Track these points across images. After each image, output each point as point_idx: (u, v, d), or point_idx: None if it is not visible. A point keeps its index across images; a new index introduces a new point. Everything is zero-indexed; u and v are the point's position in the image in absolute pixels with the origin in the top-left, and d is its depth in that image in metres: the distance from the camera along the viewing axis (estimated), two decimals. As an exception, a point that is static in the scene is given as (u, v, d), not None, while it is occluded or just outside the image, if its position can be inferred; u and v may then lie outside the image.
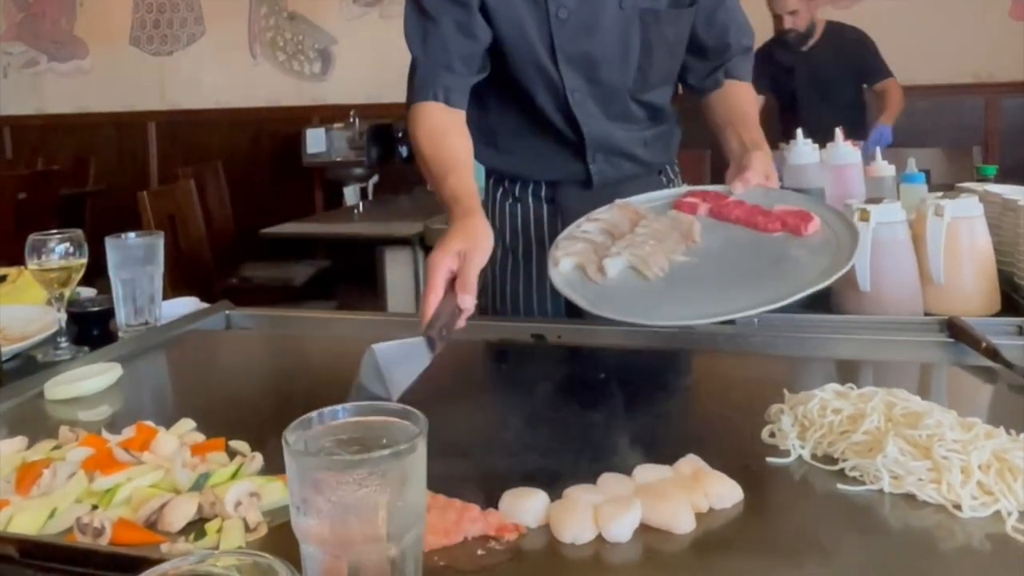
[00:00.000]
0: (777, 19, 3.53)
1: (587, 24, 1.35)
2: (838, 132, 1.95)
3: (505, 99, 1.46)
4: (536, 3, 1.33)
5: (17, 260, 1.47)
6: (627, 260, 1.06)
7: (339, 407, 0.62)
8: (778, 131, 3.50)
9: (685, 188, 1.27)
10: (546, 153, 1.47)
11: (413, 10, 1.34)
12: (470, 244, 1.01)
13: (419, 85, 1.33)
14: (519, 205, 1.53)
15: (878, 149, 1.96)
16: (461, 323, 0.97)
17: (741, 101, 1.46)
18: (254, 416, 0.99)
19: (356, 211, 3.81)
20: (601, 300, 1.02)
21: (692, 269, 1.06)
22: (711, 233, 1.13)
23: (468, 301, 0.98)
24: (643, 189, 1.43)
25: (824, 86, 3.50)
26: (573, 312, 1.37)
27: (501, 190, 1.56)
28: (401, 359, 0.91)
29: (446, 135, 1.29)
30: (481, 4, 1.33)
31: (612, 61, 1.38)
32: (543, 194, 1.52)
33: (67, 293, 1.31)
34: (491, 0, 1.33)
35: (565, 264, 1.07)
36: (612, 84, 1.41)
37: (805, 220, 1.10)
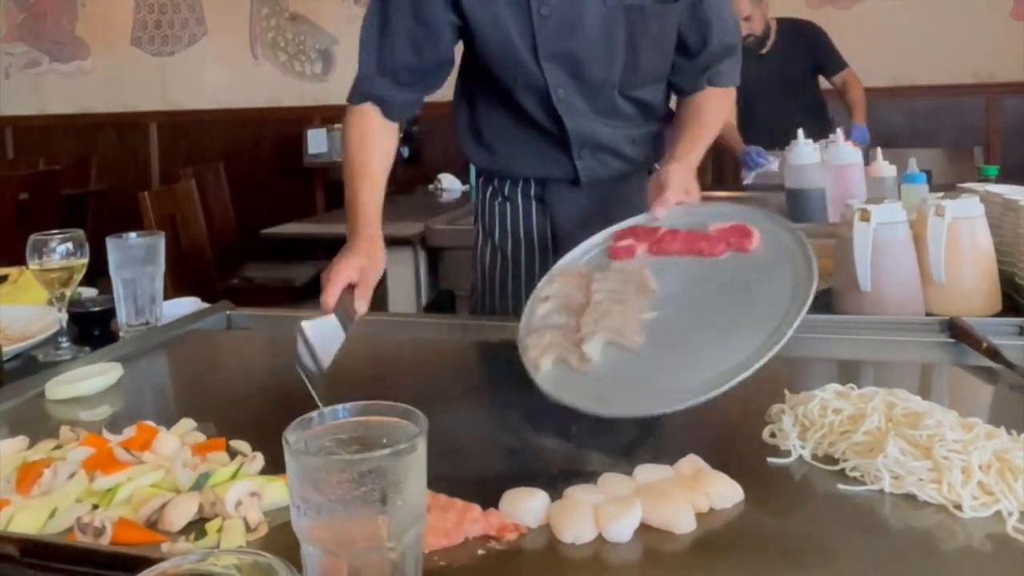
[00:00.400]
0: None
1: (570, 21, 1.34)
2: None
3: (492, 98, 1.46)
4: (518, 2, 1.33)
5: (18, 260, 1.47)
6: (604, 338, 0.98)
7: (339, 407, 0.62)
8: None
9: (612, 229, 1.20)
10: (533, 150, 1.47)
11: (375, 15, 1.36)
12: (370, 262, 1.17)
13: (361, 89, 1.36)
14: (508, 204, 1.54)
15: (879, 150, 1.96)
16: (353, 326, 1.09)
17: (702, 108, 1.43)
18: (255, 416, 0.99)
19: (357, 211, 3.80)
20: (606, 394, 0.91)
21: (668, 325, 0.98)
22: (663, 275, 1.07)
23: (363, 307, 1.13)
24: (632, 187, 1.45)
25: (785, 87, 3.48)
26: None
27: (491, 189, 1.57)
28: (324, 334, 1.03)
29: (371, 147, 1.34)
30: (458, 5, 1.33)
31: (596, 58, 1.37)
32: (532, 192, 1.52)
33: (68, 293, 1.31)
34: (472, 7, 1.33)
35: (546, 364, 0.97)
36: (597, 81, 1.40)
37: (746, 235, 1.06)
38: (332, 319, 1.06)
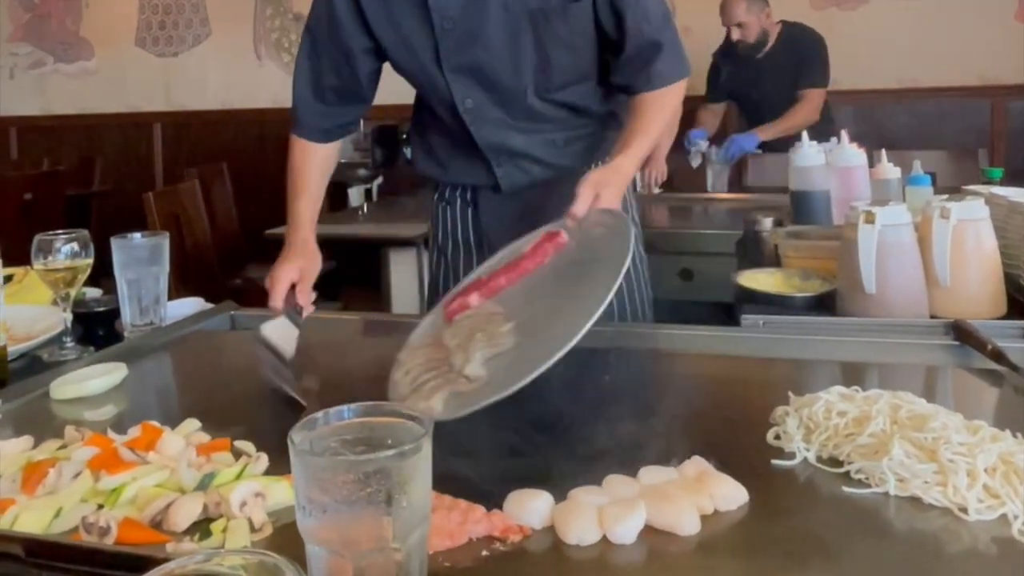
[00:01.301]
0: (727, 32, 3.52)
1: (473, 31, 1.35)
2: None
3: (428, 110, 1.53)
4: (422, 17, 1.36)
5: (23, 260, 1.48)
6: (481, 356, 0.99)
7: (345, 407, 0.62)
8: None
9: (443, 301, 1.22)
10: (461, 159, 1.52)
11: (303, 45, 1.46)
12: (307, 262, 1.32)
13: (297, 121, 1.48)
14: (448, 208, 1.61)
15: (883, 152, 1.96)
16: (303, 321, 1.23)
17: (640, 110, 1.38)
18: (259, 416, 1.00)
19: (360, 212, 3.81)
20: (503, 383, 0.92)
21: (528, 324, 1.02)
22: (505, 303, 1.11)
23: (306, 301, 1.27)
24: (560, 194, 1.34)
25: (784, 90, 3.47)
26: None
27: (436, 194, 1.63)
28: (281, 333, 1.16)
29: (307, 166, 1.47)
30: (368, 27, 1.39)
31: (504, 65, 1.38)
32: (468, 197, 1.58)
33: (73, 293, 1.32)
34: (376, 20, 1.38)
35: (438, 404, 0.95)
36: (508, 88, 1.40)
37: (554, 236, 1.15)
38: (284, 319, 1.20)
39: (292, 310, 1.23)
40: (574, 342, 0.88)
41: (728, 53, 3.60)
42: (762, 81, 3.54)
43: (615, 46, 1.39)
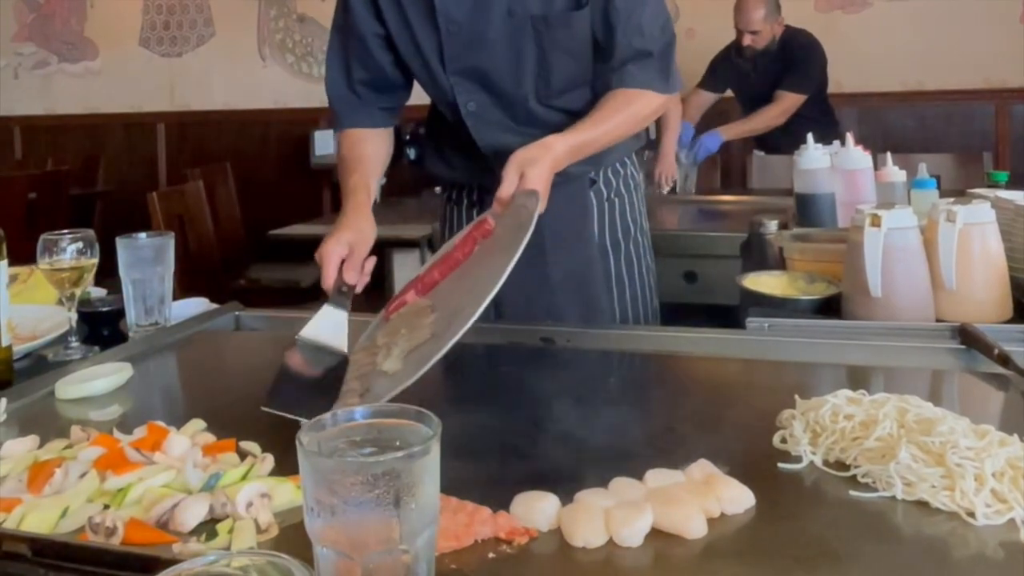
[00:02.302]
0: (739, 32, 3.53)
1: (477, 36, 1.36)
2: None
3: (438, 110, 1.53)
4: (429, 18, 1.37)
5: (28, 259, 1.48)
6: (400, 351, 0.99)
7: (355, 409, 0.62)
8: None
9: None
10: (466, 160, 1.52)
11: (330, 39, 1.48)
12: (358, 236, 1.22)
13: (338, 118, 1.48)
14: (455, 208, 1.62)
15: (888, 155, 1.95)
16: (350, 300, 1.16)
17: (601, 104, 1.36)
18: (264, 417, 0.99)
19: (364, 213, 3.81)
20: (404, 374, 0.93)
21: (450, 306, 1.02)
22: (438, 297, 1.10)
23: (353, 279, 1.19)
24: (564, 198, 1.38)
25: (764, 92, 3.49)
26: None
27: (447, 197, 1.64)
28: (325, 328, 1.09)
29: (356, 147, 1.44)
30: (381, 18, 1.40)
31: (506, 70, 1.39)
32: (474, 197, 1.58)
33: (78, 293, 1.32)
34: (389, 14, 1.39)
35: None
36: (510, 93, 1.41)
37: (482, 223, 1.14)
38: (324, 310, 1.11)
39: (339, 291, 1.15)
40: (469, 324, 0.88)
41: (737, 51, 3.59)
42: (752, 79, 3.56)
43: (604, 54, 1.39)
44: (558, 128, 1.42)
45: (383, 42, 1.43)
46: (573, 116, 1.43)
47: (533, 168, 1.18)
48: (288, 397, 0.96)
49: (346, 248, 1.20)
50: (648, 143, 3.11)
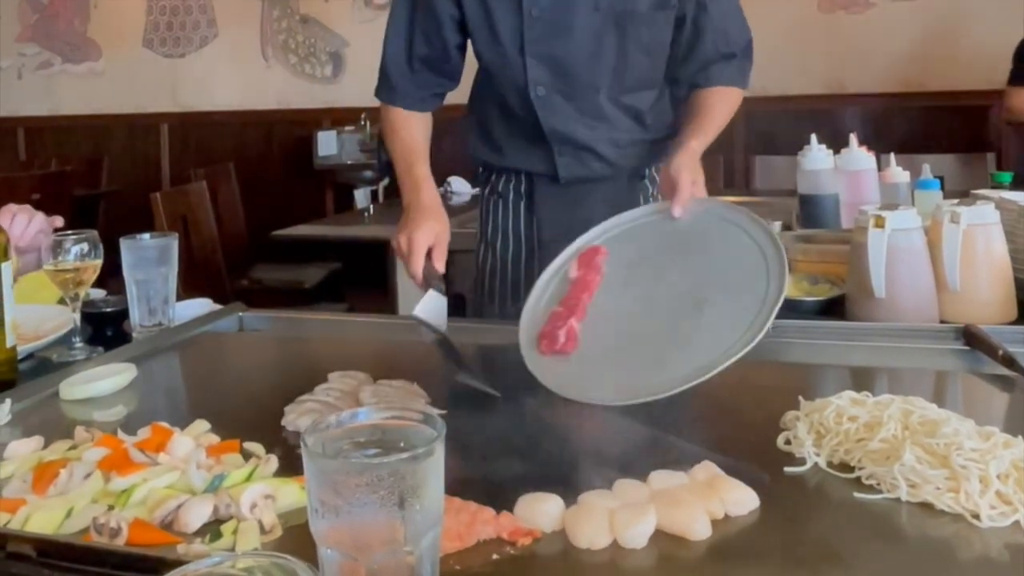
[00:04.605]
0: None
1: (560, 24, 1.38)
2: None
3: (492, 95, 1.54)
4: (511, 1, 1.38)
5: (32, 260, 1.48)
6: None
7: (359, 410, 0.62)
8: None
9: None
10: (521, 146, 1.54)
11: (395, 11, 1.47)
12: (444, 227, 1.25)
13: (390, 87, 1.47)
14: (500, 201, 1.61)
15: (892, 156, 1.95)
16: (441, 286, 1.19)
17: (704, 104, 1.43)
18: (268, 418, 0.99)
19: (367, 214, 3.81)
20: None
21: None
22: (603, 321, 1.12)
23: (442, 267, 1.21)
24: (616, 192, 1.48)
25: None
26: None
27: (488, 187, 1.64)
28: (432, 309, 1.15)
29: (412, 128, 1.44)
30: (460, 6, 1.40)
31: (583, 61, 1.41)
32: (522, 188, 1.59)
33: (82, 293, 1.32)
34: (469, 1, 1.40)
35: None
36: (582, 83, 1.44)
37: (595, 254, 1.16)
38: (430, 294, 1.15)
39: (435, 278, 1.17)
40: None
41: None
42: None
43: (687, 56, 1.45)
44: (615, 124, 1.49)
45: (454, 23, 1.43)
46: (637, 117, 1.49)
47: (700, 177, 1.24)
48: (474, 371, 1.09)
49: (433, 238, 1.22)
50: None
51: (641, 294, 1.13)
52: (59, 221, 1.26)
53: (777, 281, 1.03)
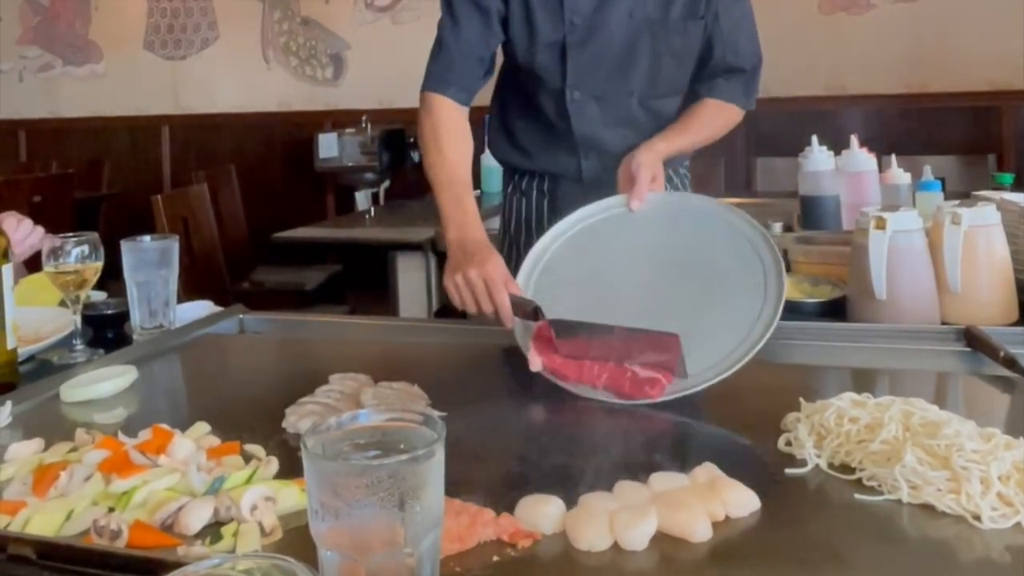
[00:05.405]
0: None
1: (597, 31, 1.43)
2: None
3: (519, 97, 1.58)
4: (551, 7, 1.42)
5: (33, 262, 1.48)
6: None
7: (360, 411, 0.62)
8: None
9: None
10: (547, 147, 1.58)
11: (446, 10, 1.46)
12: (500, 259, 1.19)
13: (437, 78, 1.43)
14: (524, 199, 1.66)
15: (893, 157, 1.95)
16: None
17: (693, 112, 1.49)
18: (268, 420, 0.99)
19: (368, 216, 3.81)
20: None
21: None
22: None
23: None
24: None
25: None
26: None
27: (512, 185, 1.68)
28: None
29: (460, 133, 1.40)
30: (507, 4, 1.43)
31: (617, 67, 1.47)
32: (545, 187, 1.63)
33: (83, 296, 1.32)
34: (513, 2, 1.43)
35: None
36: (616, 89, 1.49)
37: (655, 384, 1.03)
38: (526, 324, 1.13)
39: (530, 305, 1.11)
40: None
41: None
42: None
43: (698, 65, 1.51)
44: (643, 130, 1.51)
45: (500, 21, 1.45)
46: (660, 119, 1.52)
47: (660, 172, 1.30)
48: None
49: (505, 271, 1.17)
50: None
51: (636, 288, 1.16)
52: (58, 242, 1.27)
53: (775, 279, 1.06)
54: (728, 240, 1.15)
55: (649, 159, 1.31)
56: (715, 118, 1.50)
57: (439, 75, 1.44)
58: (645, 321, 1.04)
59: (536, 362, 1.06)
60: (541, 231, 1.59)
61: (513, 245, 1.67)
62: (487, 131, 1.65)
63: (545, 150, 1.58)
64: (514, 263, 1.59)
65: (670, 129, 1.44)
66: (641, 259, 1.20)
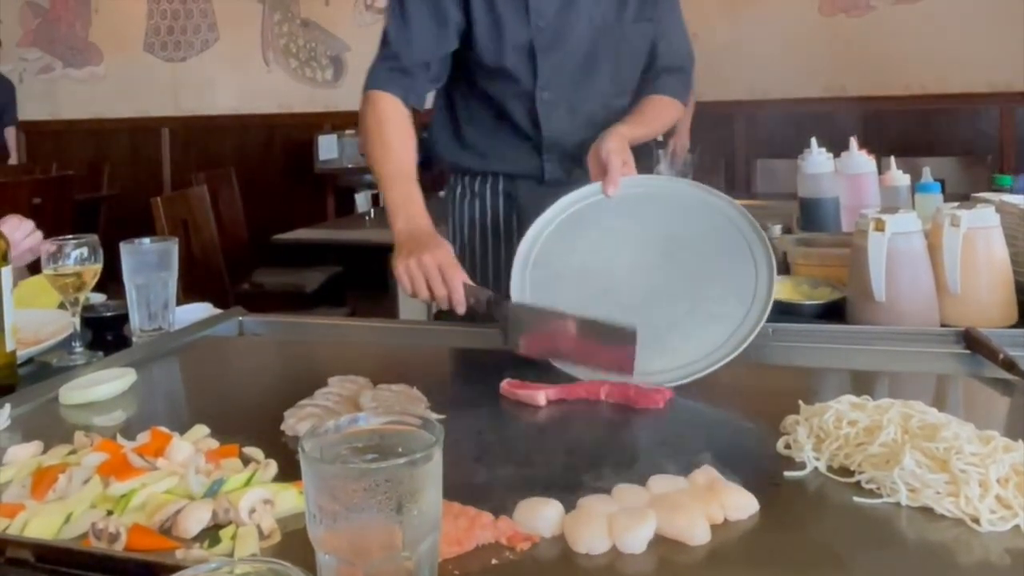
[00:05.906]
0: None
1: (562, 35, 1.49)
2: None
3: (471, 97, 1.59)
4: (517, 10, 1.46)
5: (32, 263, 1.48)
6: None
7: (359, 415, 0.62)
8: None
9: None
10: (507, 148, 1.59)
11: (394, 9, 1.47)
12: (451, 246, 1.25)
13: (382, 76, 1.45)
14: (477, 201, 1.65)
15: (892, 159, 1.95)
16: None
17: (644, 105, 1.54)
18: (267, 423, 0.99)
19: (367, 217, 3.82)
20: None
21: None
22: None
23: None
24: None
25: None
26: None
27: (460, 188, 1.67)
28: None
29: (402, 137, 1.42)
30: (468, 8, 1.45)
31: (584, 67, 1.52)
32: (501, 188, 1.63)
33: (82, 298, 1.32)
34: (478, 9, 1.45)
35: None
36: (585, 89, 1.53)
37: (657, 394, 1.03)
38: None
39: (484, 293, 1.18)
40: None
41: None
42: None
43: (646, 64, 1.59)
44: (602, 127, 1.52)
45: (457, 30, 1.47)
46: (618, 117, 1.54)
47: (630, 156, 1.32)
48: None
49: (454, 259, 1.22)
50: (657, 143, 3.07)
51: (632, 273, 1.19)
52: (53, 247, 1.28)
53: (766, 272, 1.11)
54: (707, 217, 1.19)
55: (617, 145, 1.32)
56: (663, 112, 1.57)
57: (384, 78, 1.45)
58: (648, 305, 1.11)
59: (540, 397, 1.05)
60: (498, 232, 1.64)
61: (466, 247, 1.65)
62: (434, 135, 1.65)
63: (505, 152, 1.59)
64: (468, 264, 1.61)
65: (629, 118, 1.48)
66: (629, 243, 1.22)
